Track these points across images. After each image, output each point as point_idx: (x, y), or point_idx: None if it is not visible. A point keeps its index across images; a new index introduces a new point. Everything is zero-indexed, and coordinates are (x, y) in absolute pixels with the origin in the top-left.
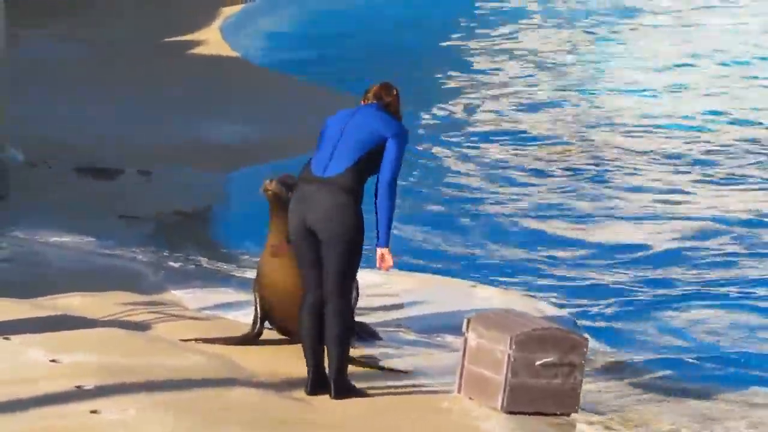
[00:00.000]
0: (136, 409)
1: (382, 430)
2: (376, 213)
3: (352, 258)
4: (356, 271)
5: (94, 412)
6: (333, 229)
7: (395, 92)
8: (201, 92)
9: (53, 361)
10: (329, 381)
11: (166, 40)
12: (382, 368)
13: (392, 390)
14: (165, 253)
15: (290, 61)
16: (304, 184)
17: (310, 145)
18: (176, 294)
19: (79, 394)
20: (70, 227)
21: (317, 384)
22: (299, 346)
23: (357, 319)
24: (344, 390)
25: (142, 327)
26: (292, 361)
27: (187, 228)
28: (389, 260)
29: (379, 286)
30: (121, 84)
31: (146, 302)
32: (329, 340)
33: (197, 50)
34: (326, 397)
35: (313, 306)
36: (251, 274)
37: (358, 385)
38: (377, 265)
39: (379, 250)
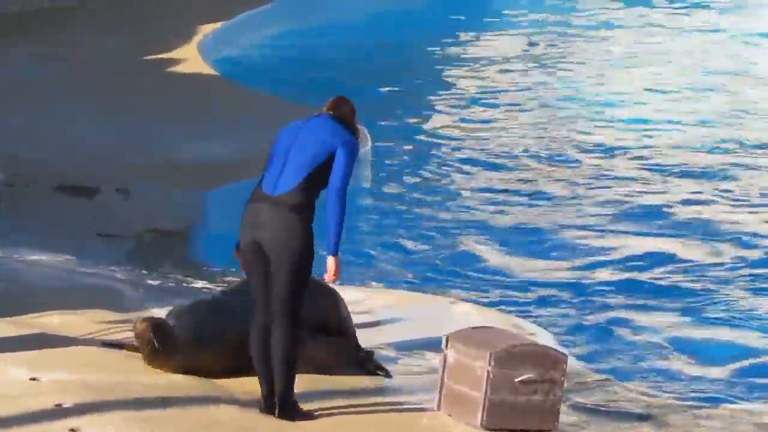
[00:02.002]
0: (116, 426)
1: None
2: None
3: (301, 278)
4: (304, 290)
5: (73, 430)
6: (282, 249)
7: (351, 105)
8: (179, 110)
9: (33, 379)
10: (275, 401)
11: (144, 58)
12: (369, 371)
13: (372, 407)
14: (144, 271)
15: (268, 78)
16: (254, 203)
17: None
18: (155, 312)
19: (58, 412)
20: (49, 245)
21: (272, 403)
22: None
23: (368, 348)
24: (290, 410)
25: (121, 345)
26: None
27: (166, 246)
28: (337, 270)
29: (357, 303)
30: (98, 103)
31: (126, 320)
32: (276, 359)
33: (175, 68)
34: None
35: (262, 328)
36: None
37: (338, 401)
38: (326, 275)
39: (329, 259)
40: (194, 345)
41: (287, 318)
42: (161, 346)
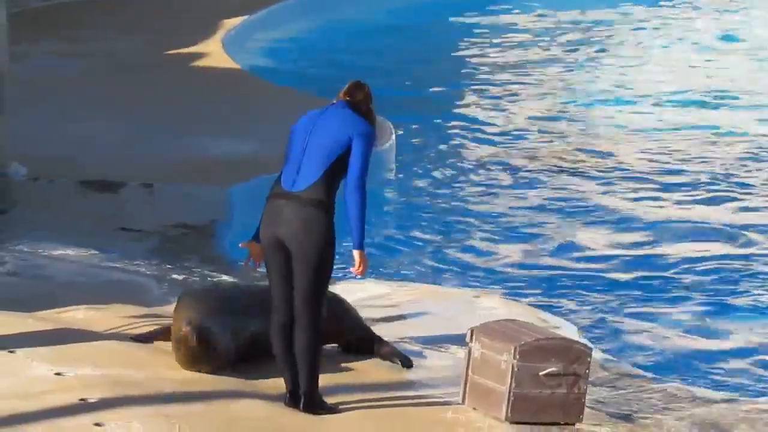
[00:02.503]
0: (141, 421)
1: None
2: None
3: (323, 273)
4: (327, 286)
5: (98, 424)
6: (303, 245)
7: (366, 90)
8: (203, 105)
9: (58, 374)
10: (300, 394)
11: (167, 53)
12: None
13: (396, 401)
14: (168, 266)
15: (293, 73)
16: (274, 199)
17: None
18: None
19: (83, 407)
20: (74, 241)
21: (297, 397)
22: None
23: (390, 340)
24: (314, 404)
25: (146, 339)
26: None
27: (190, 241)
28: (364, 263)
29: (382, 297)
30: (122, 98)
31: (150, 315)
32: (299, 355)
33: (198, 63)
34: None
35: (283, 327)
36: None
37: (362, 395)
38: (353, 269)
39: (355, 253)
40: (235, 352)
41: (310, 314)
42: (203, 353)
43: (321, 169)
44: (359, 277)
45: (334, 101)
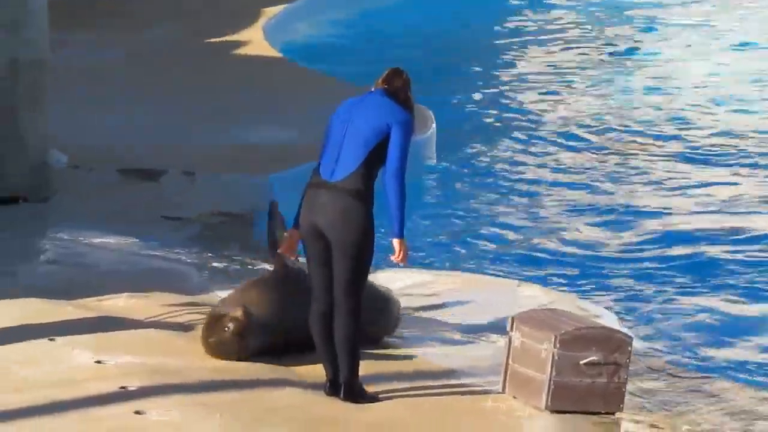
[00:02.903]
0: (181, 409)
1: (426, 429)
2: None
3: (362, 262)
4: (366, 274)
5: (138, 412)
6: (342, 235)
7: (404, 77)
8: (243, 93)
9: (98, 362)
10: (340, 383)
11: (207, 41)
12: None
13: (436, 389)
14: (209, 254)
15: (334, 61)
16: (312, 188)
17: None
18: (221, 295)
19: (123, 395)
20: (114, 229)
21: (337, 386)
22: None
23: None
24: (354, 393)
25: (186, 328)
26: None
27: (231, 229)
28: (404, 252)
29: (423, 285)
30: (162, 86)
31: (191, 303)
32: (339, 344)
33: (239, 51)
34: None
35: (323, 315)
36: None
37: (402, 383)
38: (393, 257)
39: (394, 242)
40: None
41: (350, 303)
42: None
43: (360, 158)
44: (401, 265)
45: (372, 89)
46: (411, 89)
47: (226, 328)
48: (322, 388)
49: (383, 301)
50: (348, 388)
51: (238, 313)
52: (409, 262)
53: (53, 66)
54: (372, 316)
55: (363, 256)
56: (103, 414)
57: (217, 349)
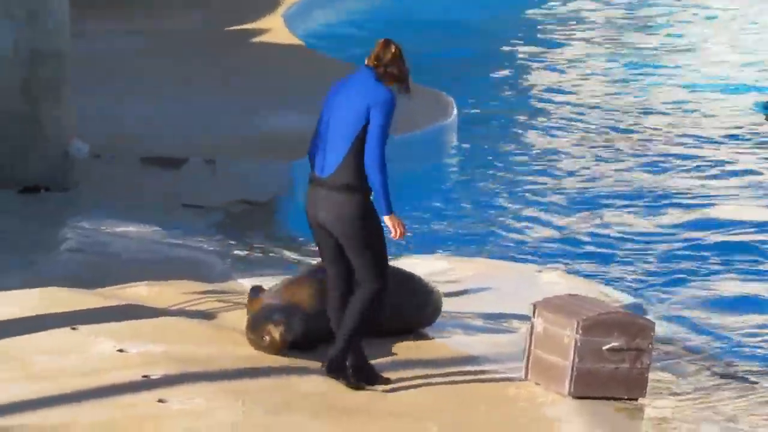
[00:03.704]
0: (204, 397)
1: (448, 417)
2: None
3: (372, 249)
4: (382, 257)
5: (161, 401)
6: (342, 230)
7: (394, 49)
8: (264, 81)
9: (120, 350)
10: (340, 362)
11: (228, 29)
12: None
13: (458, 376)
14: (231, 242)
15: (352, 47)
16: (310, 184)
17: None
18: (242, 282)
19: (146, 384)
20: (136, 217)
21: (331, 363)
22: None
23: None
24: (337, 368)
25: (208, 316)
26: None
27: (253, 217)
28: (398, 226)
29: (444, 272)
30: (183, 75)
31: (213, 291)
32: (348, 311)
33: (260, 39)
34: (397, 384)
35: (341, 299)
36: (316, 262)
37: (424, 369)
38: (392, 236)
39: (385, 219)
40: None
41: (373, 286)
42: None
43: (343, 150)
44: (403, 241)
45: (359, 68)
46: (404, 60)
47: (264, 338)
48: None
49: (425, 294)
50: (332, 358)
51: (278, 332)
52: (430, 248)
53: (73, 56)
54: (414, 308)
55: (370, 244)
56: (125, 402)
57: (254, 345)
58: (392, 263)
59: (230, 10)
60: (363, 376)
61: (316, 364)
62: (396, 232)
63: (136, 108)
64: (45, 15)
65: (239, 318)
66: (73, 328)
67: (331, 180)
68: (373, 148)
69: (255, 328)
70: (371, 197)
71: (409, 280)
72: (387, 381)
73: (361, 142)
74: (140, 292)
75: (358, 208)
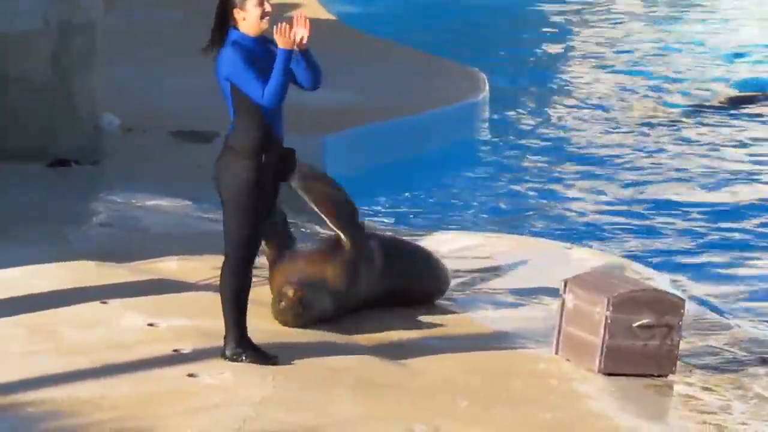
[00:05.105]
0: (233, 372)
1: (479, 392)
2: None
3: (236, 216)
4: (246, 224)
5: (191, 375)
6: (221, 190)
7: None
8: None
9: (150, 325)
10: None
11: None
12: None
13: (489, 351)
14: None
15: (385, 23)
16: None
17: (408, 108)
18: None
19: (176, 358)
20: (167, 191)
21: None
22: (397, 310)
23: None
24: (230, 349)
25: None
26: (391, 325)
27: (283, 190)
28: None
29: (476, 248)
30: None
31: None
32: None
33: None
34: (427, 361)
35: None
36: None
37: (455, 346)
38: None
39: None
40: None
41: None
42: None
43: (231, 112)
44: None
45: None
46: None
47: (281, 303)
48: (378, 353)
49: (430, 263)
50: (226, 343)
51: (290, 291)
52: (460, 224)
53: (106, 28)
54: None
55: (235, 207)
56: (156, 377)
57: (278, 319)
58: (414, 239)
59: None
60: (231, 348)
61: (346, 338)
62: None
63: (168, 81)
64: None
65: (269, 292)
66: (103, 302)
67: (226, 143)
68: (259, 101)
69: (275, 297)
70: (255, 163)
71: (417, 251)
72: (266, 357)
73: (242, 104)
74: (170, 266)
75: (237, 168)
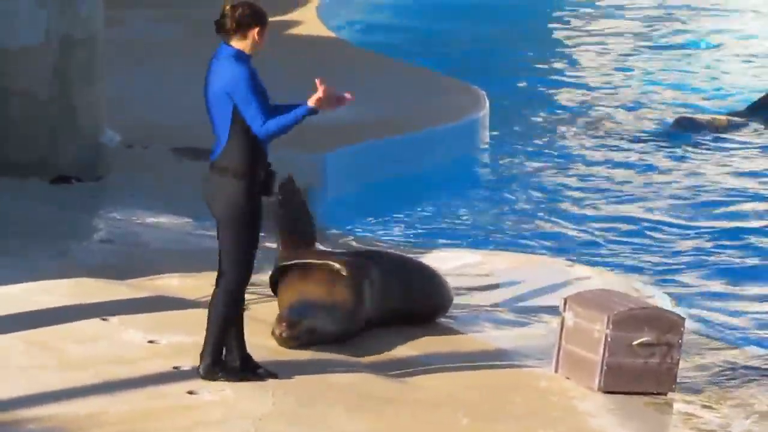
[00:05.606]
0: (233, 389)
1: (480, 408)
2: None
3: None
4: (247, 244)
5: (191, 392)
6: (218, 215)
7: (243, 9)
8: (297, 73)
9: (151, 341)
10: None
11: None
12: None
13: (489, 369)
14: (262, 233)
15: (385, 40)
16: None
17: (408, 125)
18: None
19: (176, 375)
20: (167, 208)
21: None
22: (397, 328)
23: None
24: (206, 370)
25: None
26: (392, 342)
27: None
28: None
29: (476, 265)
30: None
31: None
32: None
33: (293, 31)
34: (427, 377)
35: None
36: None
37: (455, 362)
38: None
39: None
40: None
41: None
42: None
43: (225, 131)
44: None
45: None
46: (257, 18)
47: (280, 333)
48: (378, 369)
49: (434, 281)
50: (201, 360)
51: (277, 330)
52: (461, 241)
53: (108, 43)
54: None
55: (234, 232)
56: (156, 393)
57: (277, 342)
58: (414, 256)
59: (265, 2)
60: (207, 369)
61: (345, 356)
62: (324, 100)
63: (169, 96)
64: (78, 1)
65: (270, 310)
66: (104, 319)
67: (217, 163)
68: (256, 129)
69: (277, 317)
70: (250, 182)
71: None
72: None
73: (239, 126)
74: (171, 283)
75: (239, 195)
